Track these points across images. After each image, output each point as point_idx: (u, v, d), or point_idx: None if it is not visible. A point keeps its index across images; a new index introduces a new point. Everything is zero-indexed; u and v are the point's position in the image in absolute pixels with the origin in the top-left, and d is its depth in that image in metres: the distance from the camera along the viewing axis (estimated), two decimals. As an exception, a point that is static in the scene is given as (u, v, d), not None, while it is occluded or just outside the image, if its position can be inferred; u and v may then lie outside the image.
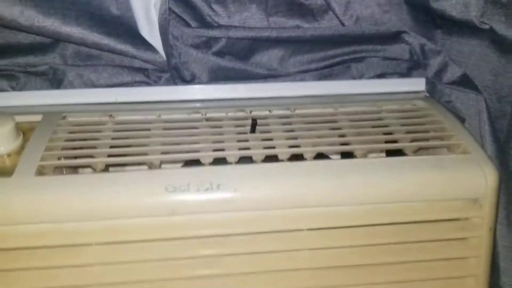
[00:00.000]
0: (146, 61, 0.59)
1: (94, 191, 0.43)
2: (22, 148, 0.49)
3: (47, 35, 0.55)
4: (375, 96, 0.62)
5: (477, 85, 0.59)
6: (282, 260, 0.46)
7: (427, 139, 0.53)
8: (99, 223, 0.43)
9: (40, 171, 0.45)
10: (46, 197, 0.42)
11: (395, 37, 0.61)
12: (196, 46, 0.59)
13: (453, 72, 0.60)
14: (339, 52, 0.62)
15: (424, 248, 0.48)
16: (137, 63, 0.60)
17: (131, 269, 0.44)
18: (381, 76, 0.63)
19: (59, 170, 0.47)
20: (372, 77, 0.63)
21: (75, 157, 0.48)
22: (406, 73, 0.63)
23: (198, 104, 0.59)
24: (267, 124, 0.54)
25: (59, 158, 0.47)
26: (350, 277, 0.47)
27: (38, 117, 0.53)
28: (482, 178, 0.47)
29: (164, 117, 0.55)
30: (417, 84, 0.63)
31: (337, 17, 0.59)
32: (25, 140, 0.50)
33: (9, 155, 0.48)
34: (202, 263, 0.45)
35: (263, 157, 0.48)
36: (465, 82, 0.60)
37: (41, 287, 0.44)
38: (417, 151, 0.52)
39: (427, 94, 0.62)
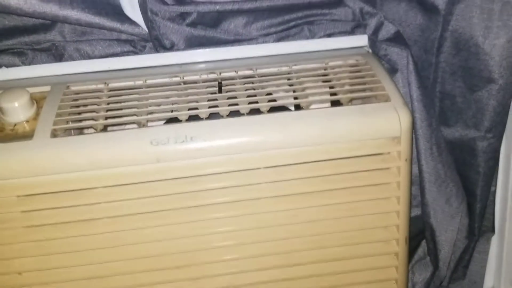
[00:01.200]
0: (131, 34, 0.71)
1: (96, 147, 0.56)
2: (36, 114, 0.62)
3: (47, 18, 0.67)
4: (325, 53, 0.73)
5: (406, 40, 0.71)
6: (245, 192, 0.60)
7: (362, 91, 0.65)
8: (101, 171, 0.56)
9: (54, 134, 0.58)
10: (60, 154, 0.56)
11: (339, 2, 0.73)
12: (172, 19, 0.71)
13: (387, 30, 0.72)
14: (293, 16, 0.73)
15: (356, 177, 0.62)
16: (124, 36, 0.72)
17: (127, 205, 0.58)
18: (330, 35, 0.75)
19: (68, 131, 0.60)
20: (322, 37, 0.75)
21: (80, 121, 0.61)
22: (350, 32, 0.75)
23: (176, 68, 0.71)
24: (233, 84, 0.66)
25: (67, 122, 0.60)
26: (299, 203, 0.62)
27: (46, 88, 0.65)
28: (397, 121, 0.60)
29: (149, 81, 0.67)
30: (360, 40, 0.74)
31: (289, -11, 0.70)
32: (38, 108, 0.63)
33: (27, 121, 0.61)
34: (181, 198, 0.59)
35: (228, 112, 0.61)
36: (397, 38, 0.71)
37: (60, 221, 0.58)
38: (352, 101, 0.64)
39: (369, 50, 0.74)
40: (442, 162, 0.71)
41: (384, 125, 0.60)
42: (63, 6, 0.65)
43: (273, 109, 0.62)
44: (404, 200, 0.63)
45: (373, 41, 0.73)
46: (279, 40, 0.75)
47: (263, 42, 0.74)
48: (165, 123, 0.62)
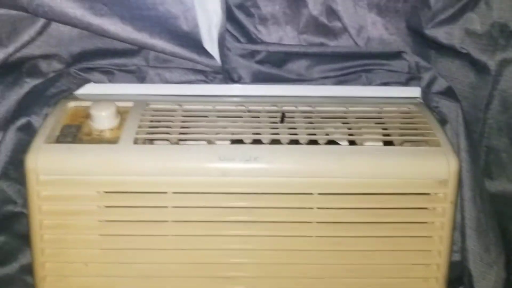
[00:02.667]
0: (206, 65, 0.79)
1: (171, 156, 0.63)
2: (120, 125, 0.70)
3: (137, 45, 0.76)
4: (379, 99, 0.80)
5: (457, 95, 0.76)
6: (297, 215, 0.65)
7: (413, 135, 0.71)
8: (173, 178, 0.63)
9: (136, 141, 0.65)
10: (140, 158, 0.63)
11: (397, 55, 0.79)
12: (243, 56, 0.79)
13: (440, 85, 0.78)
14: (352, 64, 0.80)
15: (402, 213, 0.66)
16: (199, 67, 0.80)
17: (191, 212, 0.65)
18: (385, 84, 0.81)
19: (147, 141, 0.68)
20: (378, 85, 0.81)
21: (158, 133, 0.68)
22: (405, 83, 0.81)
23: (242, 99, 0.78)
24: (293, 117, 0.73)
25: (147, 133, 0.68)
26: (343, 231, 0.66)
27: (129, 104, 0.74)
28: (446, 165, 0.65)
29: (218, 107, 0.75)
30: (413, 92, 0.81)
31: (352, 38, 0.78)
32: (121, 120, 0.71)
33: (111, 129, 0.69)
34: (239, 212, 0.65)
35: (288, 140, 0.68)
36: (449, 92, 0.77)
37: (131, 219, 0.64)
38: (404, 143, 0.70)
39: (421, 101, 0.80)
40: (484, 212, 0.75)
41: (433, 167, 0.65)
42: (153, 35, 0.74)
43: (329, 143, 0.68)
44: (446, 240, 0.67)
45: (425, 93, 0.79)
46: (337, 83, 0.81)
47: (321, 84, 0.81)
48: (230, 143, 0.69)
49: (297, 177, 0.64)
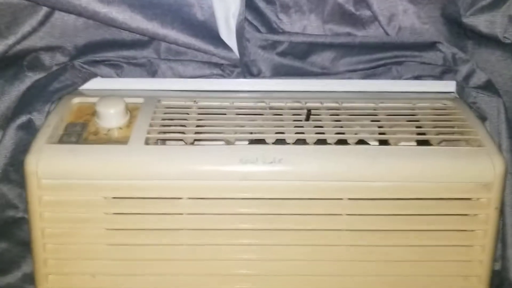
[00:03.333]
0: (222, 58, 0.73)
1: (187, 158, 0.57)
2: (129, 122, 0.64)
3: (148, 35, 0.70)
4: (411, 94, 0.73)
5: (498, 90, 0.69)
6: (324, 222, 0.59)
7: (451, 133, 0.64)
8: (189, 182, 0.57)
9: (147, 141, 0.59)
10: (152, 161, 0.57)
11: (431, 45, 0.73)
12: (263, 47, 0.72)
13: (479, 78, 0.71)
14: (382, 56, 0.74)
15: (440, 220, 0.60)
16: (215, 59, 0.74)
17: (208, 220, 0.59)
18: (417, 78, 0.74)
19: (160, 141, 0.62)
20: (410, 78, 0.74)
21: (171, 132, 0.62)
22: (439, 76, 0.74)
23: (262, 95, 0.72)
24: (319, 114, 0.66)
25: (159, 133, 0.62)
26: (377, 239, 0.60)
27: (140, 100, 0.68)
28: (491, 167, 0.58)
29: (236, 104, 0.68)
30: (448, 85, 0.74)
31: (382, 27, 0.71)
32: (131, 117, 0.65)
33: (120, 128, 0.63)
34: (263, 219, 0.59)
35: (314, 140, 0.61)
36: (488, 86, 0.70)
37: (141, 228, 0.59)
38: (441, 142, 0.63)
39: (457, 95, 0.73)
40: (528, 218, 0.68)
41: (476, 170, 0.58)
42: (165, 25, 0.68)
43: (360, 142, 0.62)
44: (489, 250, 0.60)
45: (462, 87, 0.73)
46: (365, 77, 0.75)
47: (348, 78, 0.75)
48: (251, 143, 0.63)
49: (325, 180, 0.58)
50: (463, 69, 0.72)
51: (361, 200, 0.59)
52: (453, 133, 0.64)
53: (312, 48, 0.73)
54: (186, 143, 0.60)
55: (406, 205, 0.59)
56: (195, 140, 0.61)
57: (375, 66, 0.74)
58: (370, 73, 0.75)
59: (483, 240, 0.60)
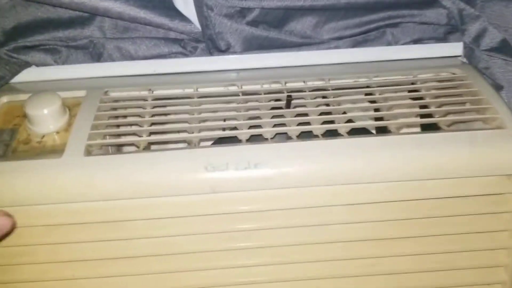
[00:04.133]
0: (181, 33, 0.60)
1: (138, 170, 0.45)
2: (69, 124, 0.51)
3: (85, 10, 0.56)
4: (410, 62, 0.61)
5: (515, 51, 0.58)
6: (315, 235, 0.48)
7: (463, 112, 0.53)
8: (143, 201, 0.45)
9: (88, 151, 0.47)
10: (95, 177, 0.45)
11: (432, 1, 0.60)
12: (230, 16, 0.59)
13: (492, 38, 0.59)
14: (374, 17, 0.61)
15: (457, 222, 0.49)
16: (173, 35, 0.61)
17: (172, 242, 0.48)
18: (417, 41, 0.62)
19: (105, 148, 0.50)
20: (408, 43, 0.62)
21: (120, 135, 0.50)
22: (443, 38, 0.62)
23: (233, 75, 0.60)
24: (302, 97, 0.54)
25: (104, 137, 0.49)
26: (379, 250, 0.49)
27: (81, 93, 0.55)
28: (516, 154, 0.47)
29: (201, 90, 0.56)
30: (454, 48, 0.62)
31: (373, -17, 0.58)
32: (71, 116, 0.52)
33: (57, 132, 0.51)
34: (240, 236, 0.48)
35: (298, 133, 0.50)
36: (504, 48, 0.58)
37: (92, 258, 0.47)
38: (452, 124, 0.52)
39: (464, 60, 0.61)
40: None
41: (498, 158, 0.47)
42: (104, -4, 0.55)
43: (353, 131, 0.50)
44: (515, 253, 0.50)
45: (471, 50, 0.61)
46: (354, 45, 0.63)
47: (336, 47, 0.62)
48: (220, 142, 0.51)
49: (314, 186, 0.46)
50: (472, 28, 0.60)
51: (360, 205, 0.48)
52: (465, 111, 0.53)
53: (288, 13, 0.60)
54: (138, 149, 0.48)
55: (414, 208, 0.48)
56: (151, 143, 0.49)
57: (366, 31, 0.62)
58: (360, 40, 0.62)
59: (507, 242, 0.50)
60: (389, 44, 0.62)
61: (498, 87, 0.59)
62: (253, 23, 0.60)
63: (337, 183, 0.46)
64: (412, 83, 0.57)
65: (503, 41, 0.59)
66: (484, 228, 0.49)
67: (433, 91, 0.55)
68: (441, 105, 0.53)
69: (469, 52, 0.61)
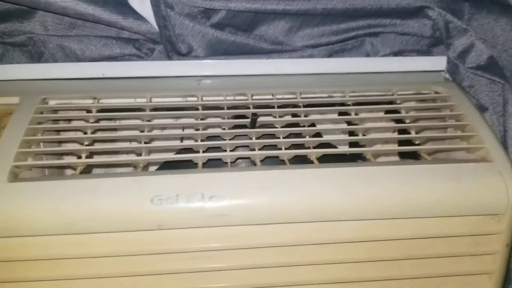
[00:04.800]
0: (136, 32, 0.53)
1: (73, 201, 0.38)
2: (-4, 139, 0.44)
3: (23, 4, 0.49)
4: (390, 76, 0.56)
5: (504, 71, 0.52)
6: (280, 276, 0.42)
7: (445, 139, 0.48)
8: (79, 237, 0.39)
9: (14, 174, 0.40)
10: (20, 208, 0.38)
11: (416, 11, 0.54)
12: (193, 17, 0.53)
13: (479, 54, 0.54)
14: (353, 25, 0.56)
15: (435, 264, 0.44)
16: (126, 34, 0.54)
17: (111, 284, 0.41)
18: (397, 53, 0.57)
19: (36, 170, 0.43)
20: (388, 54, 0.57)
21: (55, 155, 0.43)
22: (426, 51, 0.57)
23: (193, 84, 0.53)
24: (269, 114, 0.48)
25: (36, 156, 0.42)
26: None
27: (14, 99, 0.48)
28: (503, 193, 0.42)
29: (155, 100, 0.49)
30: (437, 63, 0.57)
31: (353, -12, 0.52)
32: (0, 128, 0.45)
33: (-19, 148, 0.43)
34: (187, 279, 0.42)
35: (263, 157, 0.44)
36: (491, 66, 0.53)
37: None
38: (434, 154, 0.47)
39: (447, 75, 0.56)
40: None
41: (484, 197, 0.42)
42: (45, -12, 0.47)
43: (325, 158, 0.44)
44: (495, 294, 0.46)
45: (455, 66, 0.55)
46: (330, 54, 0.57)
47: (309, 56, 0.56)
48: (171, 166, 0.44)
49: (279, 223, 0.40)
50: (459, 42, 0.55)
51: (332, 244, 0.42)
52: (448, 138, 0.48)
53: (259, 17, 0.54)
54: (74, 172, 0.41)
55: (390, 248, 0.43)
56: (89, 166, 0.42)
57: (344, 39, 0.57)
58: (337, 49, 0.57)
59: (488, 285, 0.45)
60: (367, 54, 0.57)
61: (482, 108, 0.54)
62: (219, 26, 0.54)
63: (303, 220, 0.41)
64: (391, 102, 0.51)
65: (490, 59, 0.54)
66: (464, 271, 0.45)
67: (414, 113, 0.49)
68: (422, 129, 0.48)
69: (453, 68, 0.56)
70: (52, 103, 0.48)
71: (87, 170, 0.43)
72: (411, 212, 0.42)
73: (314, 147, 0.45)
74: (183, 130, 0.48)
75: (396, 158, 0.53)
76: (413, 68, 0.56)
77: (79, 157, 0.42)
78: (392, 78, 0.56)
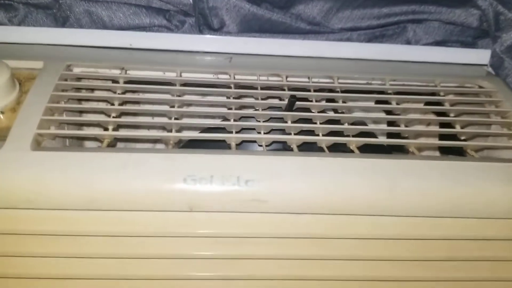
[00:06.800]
0: (167, 2, 0.50)
1: (99, 176, 0.36)
2: (18, 103, 0.42)
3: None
4: (431, 66, 0.53)
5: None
6: (314, 269, 0.40)
7: (491, 136, 0.45)
8: (104, 214, 0.36)
9: (37, 142, 0.37)
10: (43, 178, 0.35)
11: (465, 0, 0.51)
12: (229, -10, 0.50)
13: (528, 49, 0.51)
14: (396, 10, 0.52)
15: (478, 267, 0.42)
16: (157, 3, 0.51)
17: (138, 265, 0.39)
18: (440, 43, 0.54)
19: (60, 140, 0.40)
20: (430, 44, 0.54)
21: (80, 125, 0.40)
22: (470, 43, 0.54)
23: (224, 61, 0.50)
24: (306, 98, 0.45)
25: (60, 125, 0.40)
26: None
27: (38, 64, 0.45)
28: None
29: (185, 75, 0.46)
30: (480, 56, 0.54)
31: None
32: (23, 92, 0.42)
33: (2, 112, 0.41)
34: (219, 265, 0.39)
35: (300, 143, 0.41)
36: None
37: (34, 276, 0.38)
38: (481, 150, 0.44)
39: (490, 69, 0.53)
40: None
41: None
42: None
43: (366, 148, 0.42)
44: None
45: (500, 60, 0.53)
46: (370, 39, 0.54)
47: (348, 40, 0.53)
48: (203, 146, 0.41)
49: (316, 213, 0.38)
50: (507, 36, 0.52)
51: (368, 240, 0.40)
52: (494, 136, 0.45)
53: (298, -6, 0.51)
54: (101, 145, 0.38)
55: (432, 247, 0.40)
56: (116, 138, 0.40)
57: (385, 24, 0.53)
58: (377, 34, 0.54)
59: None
60: (408, 42, 0.54)
61: (528, 107, 0.51)
62: (255, 1, 0.50)
63: (343, 212, 0.38)
64: (433, 94, 0.48)
65: (540, 55, 0.51)
66: (508, 276, 0.42)
67: (458, 107, 0.47)
68: (467, 124, 0.45)
69: (497, 62, 0.53)
70: (77, 70, 0.45)
71: (113, 145, 0.40)
72: (458, 212, 0.39)
73: (353, 136, 0.43)
74: (215, 107, 0.46)
75: (436, 152, 0.50)
76: (455, 60, 0.53)
77: (106, 129, 0.40)
78: (434, 68, 0.53)
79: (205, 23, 0.51)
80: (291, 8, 0.52)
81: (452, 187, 0.38)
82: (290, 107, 0.43)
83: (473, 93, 0.49)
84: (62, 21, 0.49)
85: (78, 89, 0.43)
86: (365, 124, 0.48)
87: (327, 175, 0.38)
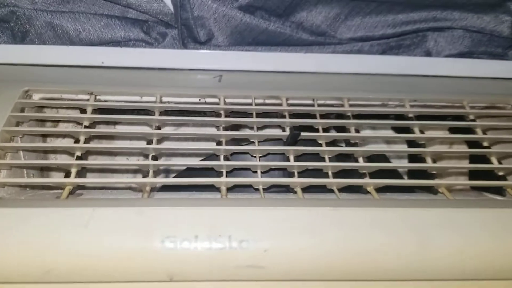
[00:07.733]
0: (145, 12, 0.42)
1: (55, 238, 0.28)
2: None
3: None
4: (455, 82, 0.46)
5: None
6: None
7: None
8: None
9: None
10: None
11: (496, 4, 0.44)
12: (217, -4, 0.42)
13: None
14: (414, 17, 0.45)
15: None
16: (133, 13, 0.43)
17: None
18: (466, 54, 0.46)
19: (16, 169, 0.32)
20: (454, 55, 0.46)
21: (38, 169, 0.33)
22: (500, 54, 0.46)
23: (214, 79, 0.43)
24: (311, 127, 0.38)
25: (10, 168, 0.32)
26: None
27: (-11, 89, 0.37)
28: None
29: (166, 100, 0.39)
30: (508, 69, 0.46)
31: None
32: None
33: None
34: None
35: (305, 185, 0.34)
36: None
37: None
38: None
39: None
40: None
41: None
42: None
43: (385, 189, 0.34)
44: None
45: (536, 75, 0.45)
46: (384, 51, 0.47)
47: (358, 51, 0.46)
48: (181, 198, 0.34)
49: (330, 279, 0.31)
50: (544, 46, 0.44)
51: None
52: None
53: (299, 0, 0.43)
54: (60, 195, 0.31)
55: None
56: (80, 185, 0.32)
57: (402, 33, 0.46)
58: (393, 44, 0.47)
59: None
60: (428, 53, 0.46)
61: None
62: (249, 9, 0.43)
63: (361, 278, 0.31)
64: (461, 117, 0.41)
65: None
66: None
67: (492, 134, 0.39)
68: (505, 157, 0.38)
69: (532, 76, 0.45)
70: (36, 97, 0.38)
71: (74, 193, 0.32)
72: (490, 272, 0.32)
73: (370, 173, 0.35)
74: (201, 142, 0.38)
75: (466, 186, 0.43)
76: (483, 74, 0.46)
77: (68, 174, 0.32)
78: (459, 84, 0.46)
79: (190, 36, 0.43)
80: (291, 15, 0.44)
81: (498, 244, 0.31)
82: (292, 140, 0.36)
83: (507, 115, 0.42)
84: (20, 37, 0.42)
85: (39, 121, 0.36)
86: (383, 157, 0.40)
87: (341, 232, 0.30)
